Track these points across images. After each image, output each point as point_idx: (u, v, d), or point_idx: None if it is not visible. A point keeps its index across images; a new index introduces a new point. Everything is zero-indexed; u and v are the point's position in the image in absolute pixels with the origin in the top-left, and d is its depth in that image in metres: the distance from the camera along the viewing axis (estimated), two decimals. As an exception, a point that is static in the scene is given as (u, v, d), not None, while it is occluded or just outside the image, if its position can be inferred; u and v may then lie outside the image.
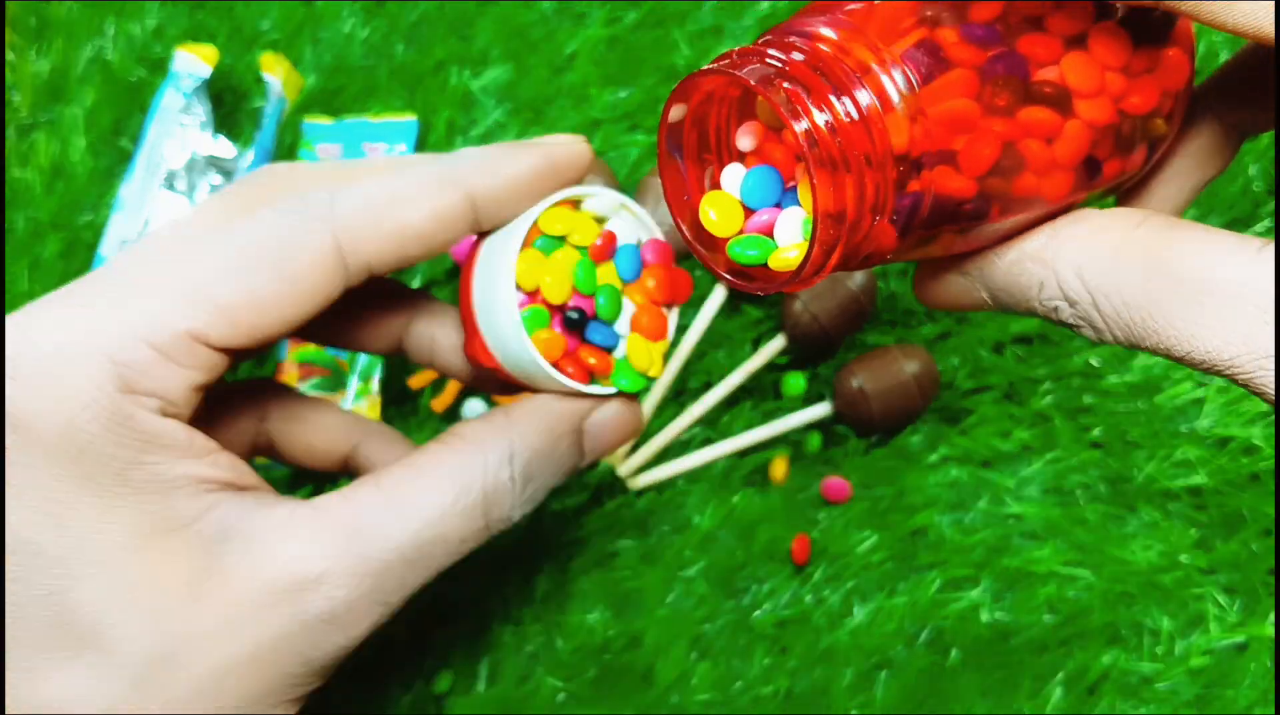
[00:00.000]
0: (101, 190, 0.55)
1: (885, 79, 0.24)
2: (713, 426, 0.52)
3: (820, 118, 0.23)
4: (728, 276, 0.26)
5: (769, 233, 0.26)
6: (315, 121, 0.55)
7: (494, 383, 0.36)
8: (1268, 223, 0.53)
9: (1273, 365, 0.23)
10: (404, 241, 0.28)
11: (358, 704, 0.48)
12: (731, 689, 0.48)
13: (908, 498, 0.50)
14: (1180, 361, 0.24)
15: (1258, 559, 0.49)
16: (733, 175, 0.27)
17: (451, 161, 0.30)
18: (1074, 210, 0.27)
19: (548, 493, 0.32)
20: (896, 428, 0.50)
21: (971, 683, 0.48)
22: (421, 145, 0.56)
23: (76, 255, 0.54)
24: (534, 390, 0.32)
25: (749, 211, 0.26)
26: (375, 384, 0.51)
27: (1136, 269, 0.24)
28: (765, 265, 0.26)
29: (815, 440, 0.51)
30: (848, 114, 0.23)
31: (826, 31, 0.24)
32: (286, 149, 0.56)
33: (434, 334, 0.36)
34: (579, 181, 0.32)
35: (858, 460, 0.51)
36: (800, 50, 0.24)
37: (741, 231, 0.26)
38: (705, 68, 0.25)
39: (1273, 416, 0.50)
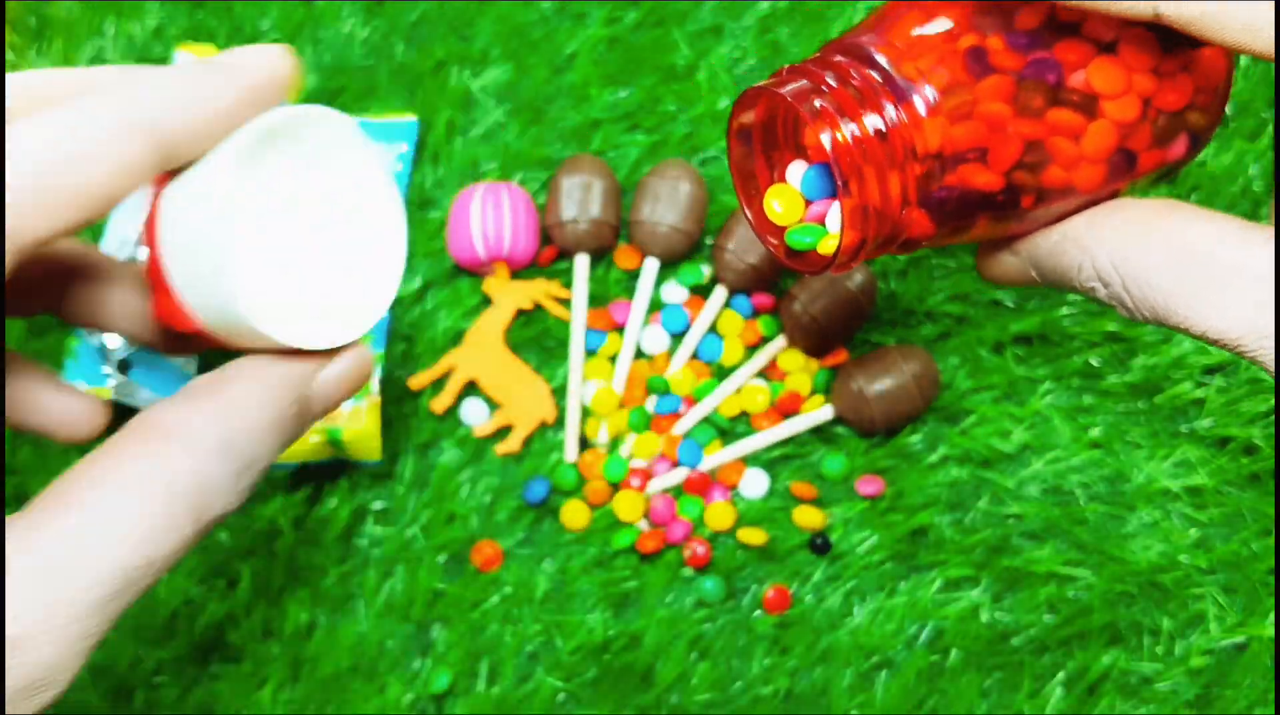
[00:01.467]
0: (101, 190, 0.55)
1: (916, 92, 0.27)
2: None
3: (847, 129, 0.27)
4: (785, 259, 0.30)
5: (823, 221, 0.29)
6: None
7: (192, 346, 0.32)
8: (1266, 223, 0.53)
9: (1273, 344, 0.26)
10: (79, 209, 0.24)
11: (358, 702, 0.48)
12: (731, 689, 0.48)
13: (907, 498, 0.50)
14: (1200, 338, 0.27)
15: (1257, 559, 0.49)
16: (796, 171, 0.30)
17: (134, 99, 0.25)
18: (1117, 198, 0.29)
19: (266, 475, 0.28)
20: (897, 428, 0.50)
21: (971, 683, 0.48)
22: (422, 145, 0.56)
23: (76, 255, 0.54)
24: (246, 351, 0.27)
25: (808, 202, 0.30)
26: (375, 384, 0.51)
27: (1161, 256, 0.27)
28: (817, 250, 0.29)
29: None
30: (875, 129, 0.27)
31: (870, 50, 0.28)
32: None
33: (104, 298, 0.31)
34: (281, 101, 0.28)
35: (858, 460, 0.51)
36: (838, 69, 0.27)
37: (801, 220, 0.29)
38: (760, 84, 0.28)
39: (1272, 417, 0.50)
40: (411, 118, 0.55)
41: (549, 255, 0.54)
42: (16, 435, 0.51)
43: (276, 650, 0.49)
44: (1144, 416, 0.51)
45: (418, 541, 0.50)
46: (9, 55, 0.57)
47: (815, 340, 0.51)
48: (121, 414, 0.51)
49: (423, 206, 0.55)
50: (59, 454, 0.51)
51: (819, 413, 0.50)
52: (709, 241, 0.54)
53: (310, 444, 0.50)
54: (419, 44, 0.58)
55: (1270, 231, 0.27)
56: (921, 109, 0.27)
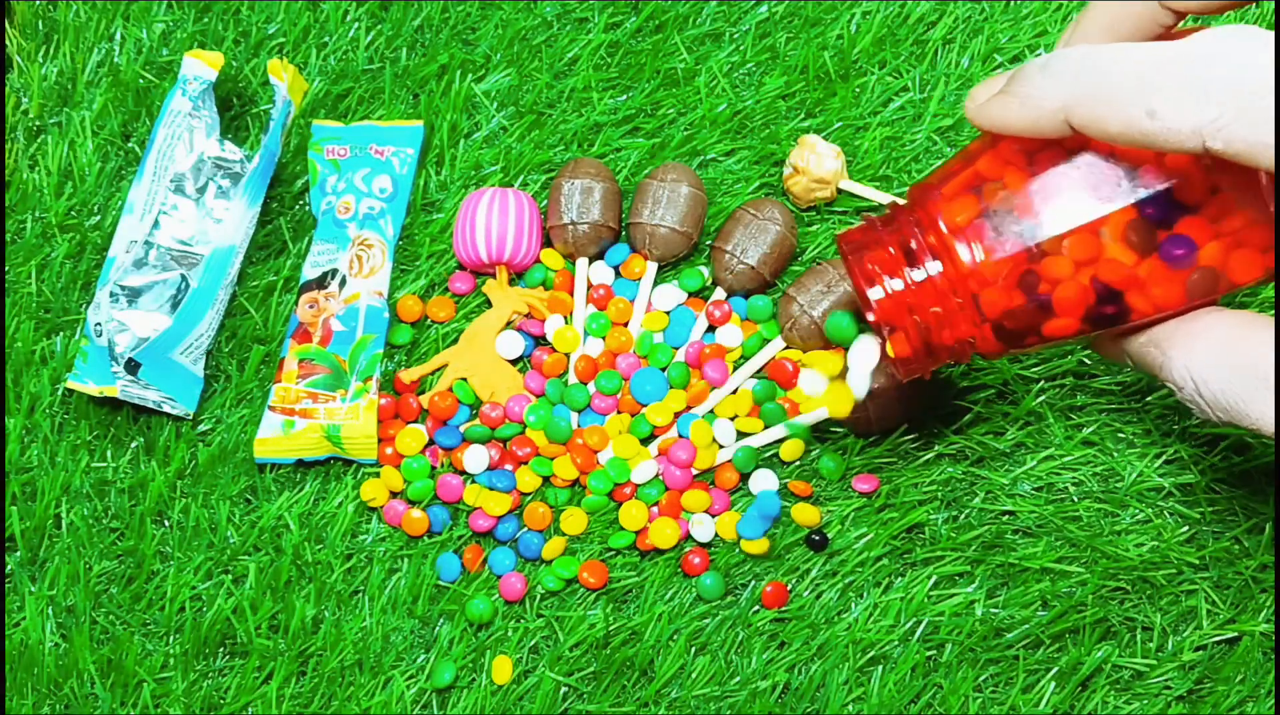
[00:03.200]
0: (110, 193, 0.56)
1: (968, 252, 0.33)
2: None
3: (890, 285, 0.35)
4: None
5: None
6: (325, 124, 0.56)
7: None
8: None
9: None
10: None
11: (361, 698, 0.49)
12: (729, 683, 0.49)
13: (903, 495, 0.51)
14: (1272, 439, 0.31)
15: (1249, 555, 0.50)
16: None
17: None
18: (1205, 307, 0.33)
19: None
20: (892, 427, 0.51)
21: (966, 678, 0.48)
22: (426, 148, 0.56)
23: (85, 257, 0.55)
24: None
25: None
26: (374, 383, 0.52)
27: (1225, 366, 0.32)
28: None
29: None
30: (925, 278, 0.35)
31: (935, 213, 0.34)
32: (293, 151, 0.57)
33: None
34: None
35: (855, 458, 0.51)
36: (898, 234, 0.35)
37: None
38: (845, 233, 0.37)
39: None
40: (418, 123, 0.56)
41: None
42: (23, 434, 0.52)
43: (283, 645, 0.49)
44: (1136, 415, 0.51)
45: (421, 538, 0.51)
46: (18, 60, 0.58)
47: (813, 341, 0.51)
48: (127, 413, 0.52)
49: (426, 209, 0.56)
50: (67, 451, 0.52)
51: (816, 412, 0.51)
52: (708, 243, 0.55)
53: (309, 439, 0.51)
54: (423, 49, 0.59)
55: None
56: (968, 261, 0.33)
